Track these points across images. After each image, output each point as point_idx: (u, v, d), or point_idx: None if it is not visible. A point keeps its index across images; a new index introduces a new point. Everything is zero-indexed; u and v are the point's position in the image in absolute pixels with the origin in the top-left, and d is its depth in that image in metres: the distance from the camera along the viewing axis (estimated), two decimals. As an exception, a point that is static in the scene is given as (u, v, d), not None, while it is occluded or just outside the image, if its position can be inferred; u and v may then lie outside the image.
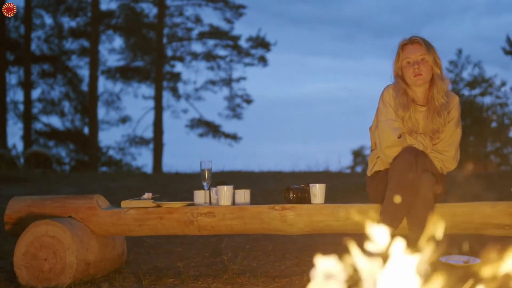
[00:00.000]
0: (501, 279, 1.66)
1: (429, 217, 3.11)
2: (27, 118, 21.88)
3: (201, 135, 22.58)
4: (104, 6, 22.73)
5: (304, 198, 3.49)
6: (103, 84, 22.99)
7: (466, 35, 31.63)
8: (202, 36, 22.60)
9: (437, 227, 1.83)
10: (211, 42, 22.65)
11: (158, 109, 21.86)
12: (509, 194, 3.28)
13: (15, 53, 22.42)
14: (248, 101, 22.74)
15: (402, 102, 3.43)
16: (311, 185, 3.48)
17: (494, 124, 21.01)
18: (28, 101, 21.92)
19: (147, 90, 22.82)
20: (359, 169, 22.20)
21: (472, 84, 22.13)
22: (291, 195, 3.49)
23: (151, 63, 22.63)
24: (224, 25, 22.53)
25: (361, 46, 33.54)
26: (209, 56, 22.57)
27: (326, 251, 2.28)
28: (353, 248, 1.59)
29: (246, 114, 22.65)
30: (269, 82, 34.62)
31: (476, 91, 22.21)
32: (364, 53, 34.62)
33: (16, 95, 22.77)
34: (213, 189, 3.61)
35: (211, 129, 22.56)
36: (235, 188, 3.56)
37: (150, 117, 22.12)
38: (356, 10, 32.49)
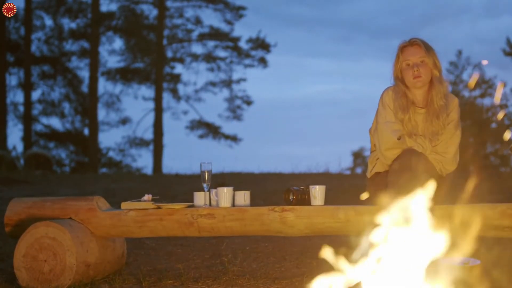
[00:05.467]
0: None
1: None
2: (27, 119, 21.90)
3: (201, 136, 22.62)
4: (104, 8, 22.79)
5: (304, 199, 3.49)
6: (103, 85, 23.03)
7: (464, 37, 31.66)
8: (202, 37, 22.63)
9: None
10: (211, 44, 22.70)
11: (158, 111, 21.87)
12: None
13: (15, 55, 22.45)
14: (248, 102, 22.77)
15: (402, 104, 3.43)
16: (311, 186, 3.48)
17: (493, 125, 21.01)
18: (28, 103, 21.94)
19: (147, 91, 22.85)
20: (359, 170, 22.19)
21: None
22: (291, 197, 3.48)
23: (151, 64, 22.64)
24: (224, 27, 22.57)
25: (360, 47, 33.59)
26: (209, 58, 22.60)
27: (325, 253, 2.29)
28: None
29: (246, 115, 22.71)
30: (269, 83, 34.69)
31: (476, 92, 22.22)
32: (362, 55, 34.66)
33: (16, 96, 22.81)
34: (213, 191, 3.60)
35: (211, 130, 22.58)
36: (235, 189, 3.56)
37: (150, 118, 22.16)
38: (354, 12, 32.57)
